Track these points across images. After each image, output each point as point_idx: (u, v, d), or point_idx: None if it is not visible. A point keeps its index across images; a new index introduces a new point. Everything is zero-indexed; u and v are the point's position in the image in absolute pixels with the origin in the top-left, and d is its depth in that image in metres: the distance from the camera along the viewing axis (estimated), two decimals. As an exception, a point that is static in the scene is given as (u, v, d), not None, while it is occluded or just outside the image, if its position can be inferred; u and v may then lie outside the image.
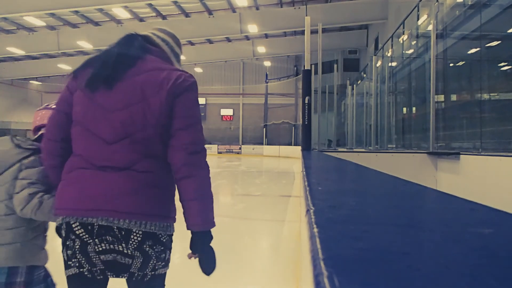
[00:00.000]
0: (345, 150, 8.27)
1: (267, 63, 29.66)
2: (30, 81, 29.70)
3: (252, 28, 19.29)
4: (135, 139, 1.28)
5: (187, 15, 21.19)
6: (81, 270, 1.29)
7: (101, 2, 17.44)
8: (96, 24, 22.13)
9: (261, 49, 24.61)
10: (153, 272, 1.31)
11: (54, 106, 1.60)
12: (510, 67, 6.27)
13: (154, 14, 20.96)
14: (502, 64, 6.26)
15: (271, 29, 20.16)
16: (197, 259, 1.38)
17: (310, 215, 0.72)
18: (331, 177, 2.09)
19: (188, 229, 1.35)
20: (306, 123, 5.75)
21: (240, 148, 28.50)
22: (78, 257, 1.28)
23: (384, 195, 1.27)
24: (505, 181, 3.64)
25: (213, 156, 26.04)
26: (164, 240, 1.31)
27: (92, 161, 1.28)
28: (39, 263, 1.53)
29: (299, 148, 7.16)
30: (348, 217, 0.76)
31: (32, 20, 20.17)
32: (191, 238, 1.36)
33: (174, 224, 1.37)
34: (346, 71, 21.97)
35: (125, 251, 1.28)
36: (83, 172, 1.28)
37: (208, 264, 1.36)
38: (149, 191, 1.27)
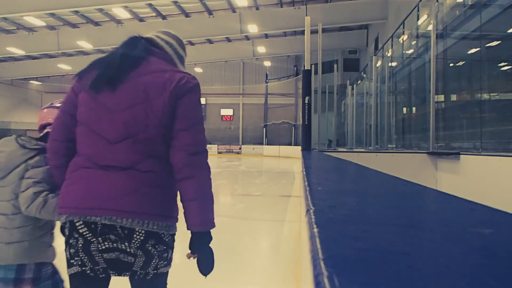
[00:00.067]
0: (345, 150, 8.26)
1: (267, 63, 29.65)
2: (30, 81, 29.70)
3: (252, 28, 19.30)
4: (137, 139, 1.29)
5: (187, 15, 21.20)
6: (84, 268, 1.30)
7: (101, 2, 17.43)
8: (96, 24, 22.14)
9: (261, 49, 24.61)
10: (155, 271, 1.32)
11: (58, 105, 1.61)
12: (510, 67, 6.27)
13: (154, 14, 20.97)
14: (502, 64, 6.26)
15: (271, 29, 20.16)
16: (196, 259, 1.38)
17: (310, 215, 0.72)
18: (331, 177, 2.09)
19: (188, 229, 1.36)
20: (306, 123, 5.75)
21: (240, 148, 28.50)
22: (81, 255, 1.29)
23: (384, 195, 1.27)
24: (505, 181, 3.63)
25: (213, 156, 26.03)
26: (166, 240, 1.33)
27: (95, 161, 1.29)
28: (47, 260, 1.56)
29: (299, 148, 7.16)
30: (348, 217, 0.76)
31: (32, 20, 20.17)
32: (191, 238, 1.37)
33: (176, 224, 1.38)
34: (346, 71, 21.95)
35: (128, 250, 1.29)
36: (87, 171, 1.29)
37: (206, 264, 1.37)
38: (151, 190, 1.28)
